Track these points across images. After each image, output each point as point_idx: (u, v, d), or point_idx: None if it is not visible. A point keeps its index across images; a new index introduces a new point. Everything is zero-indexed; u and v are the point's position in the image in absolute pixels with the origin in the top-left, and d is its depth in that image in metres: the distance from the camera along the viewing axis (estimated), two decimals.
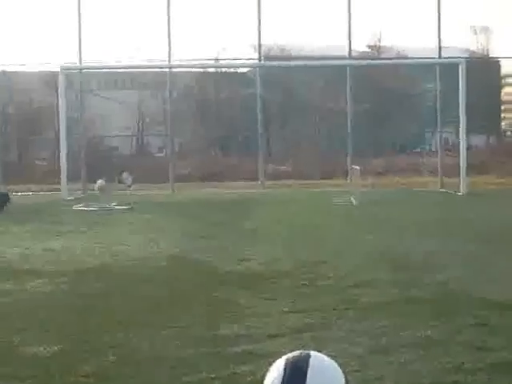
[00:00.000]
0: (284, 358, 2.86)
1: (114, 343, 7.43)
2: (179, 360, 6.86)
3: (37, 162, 38.36)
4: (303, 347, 6.81)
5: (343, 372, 2.87)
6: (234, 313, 8.72)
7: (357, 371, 6.39)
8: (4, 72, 36.92)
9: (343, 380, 2.87)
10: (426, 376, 6.27)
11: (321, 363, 2.89)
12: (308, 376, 2.79)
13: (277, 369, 2.82)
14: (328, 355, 6.67)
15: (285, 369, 2.80)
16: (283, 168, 35.57)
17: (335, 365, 2.95)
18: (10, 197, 23.95)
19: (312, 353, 2.91)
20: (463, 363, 6.56)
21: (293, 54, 38.79)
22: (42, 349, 7.27)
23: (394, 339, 7.38)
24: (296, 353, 2.89)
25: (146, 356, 7.04)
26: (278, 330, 7.87)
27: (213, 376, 6.33)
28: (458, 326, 7.87)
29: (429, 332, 7.61)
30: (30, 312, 9.03)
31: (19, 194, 30.42)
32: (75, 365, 6.73)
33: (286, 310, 8.80)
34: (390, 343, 7.24)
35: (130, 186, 32.23)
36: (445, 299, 9.31)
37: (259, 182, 33.37)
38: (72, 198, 28.01)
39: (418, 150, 38.16)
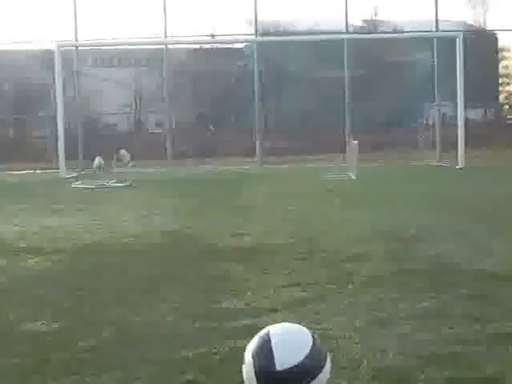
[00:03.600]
0: (248, 346, 2.91)
1: (112, 319, 7.42)
2: (178, 335, 6.85)
3: (33, 140, 38.25)
4: (302, 320, 6.84)
5: (309, 331, 2.90)
6: (231, 287, 8.70)
7: (357, 343, 6.39)
8: None
9: (310, 338, 2.90)
10: (427, 347, 6.26)
11: (281, 331, 2.94)
12: (274, 350, 2.83)
13: (247, 359, 2.87)
14: (329, 327, 6.66)
15: (253, 354, 2.85)
16: (279, 143, 35.47)
17: (297, 326, 3.00)
18: None
19: (270, 326, 2.96)
20: (463, 334, 6.56)
21: (288, 29, 38.61)
22: (39, 325, 7.26)
23: (392, 311, 7.37)
24: (256, 336, 2.94)
25: (143, 331, 7.03)
26: (276, 303, 7.86)
27: (213, 351, 6.31)
28: (455, 297, 7.87)
29: (426, 304, 7.61)
30: (27, 289, 9.02)
31: (16, 172, 30.39)
32: (72, 341, 6.71)
33: (282, 283, 8.79)
34: (389, 315, 7.24)
35: (127, 163, 32.17)
36: (441, 271, 9.30)
37: (255, 158, 33.33)
38: (70, 175, 27.96)
39: (415, 123, 38.02)
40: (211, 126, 40.18)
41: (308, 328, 2.93)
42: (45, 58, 34.52)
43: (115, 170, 29.17)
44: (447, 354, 6.08)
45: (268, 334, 2.89)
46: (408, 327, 6.80)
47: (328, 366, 2.93)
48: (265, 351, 2.84)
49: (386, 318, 7.17)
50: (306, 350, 2.85)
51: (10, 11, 42.36)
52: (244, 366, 2.90)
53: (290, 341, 2.88)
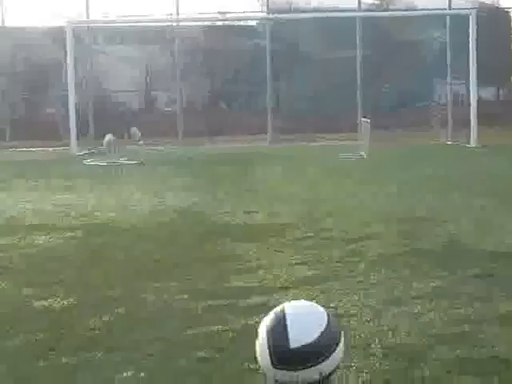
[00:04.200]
0: (263, 322, 2.91)
1: (123, 297, 7.46)
2: (189, 313, 6.87)
3: (45, 118, 38.25)
4: (312, 299, 6.85)
5: (325, 310, 2.91)
6: (242, 265, 8.73)
7: (368, 322, 6.41)
8: (10, 27, 36.74)
9: (325, 317, 2.91)
10: (436, 327, 6.28)
11: (296, 308, 2.94)
12: (288, 327, 2.83)
13: (261, 335, 2.88)
14: (340, 306, 6.69)
15: (267, 331, 2.85)
16: (290, 122, 35.35)
17: (312, 304, 3.00)
18: None
19: (286, 303, 2.97)
20: (474, 314, 6.57)
21: (301, 7, 38.45)
22: (51, 302, 7.30)
23: (402, 290, 7.39)
24: (271, 313, 2.94)
25: (154, 309, 7.07)
26: (288, 281, 7.88)
27: (224, 328, 6.34)
28: (465, 277, 7.88)
29: (437, 283, 7.63)
30: (39, 266, 9.06)
31: (27, 149, 30.46)
32: (84, 318, 6.76)
33: (294, 261, 8.80)
34: (400, 294, 7.25)
35: (138, 141, 32.17)
36: (451, 251, 9.30)
37: (266, 137, 33.28)
38: (81, 153, 28.00)
39: (427, 102, 37.83)
40: (223, 105, 40.07)
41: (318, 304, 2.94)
42: (57, 36, 34.46)
43: (127, 147, 29.18)
44: (458, 333, 6.10)
45: (283, 311, 2.89)
46: (419, 306, 6.81)
47: (341, 345, 2.94)
48: (279, 328, 2.84)
49: (397, 297, 7.18)
50: (321, 329, 2.85)
51: None
52: (257, 341, 2.91)
53: (305, 319, 2.88)
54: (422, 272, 8.14)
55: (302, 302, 3.05)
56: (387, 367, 5.44)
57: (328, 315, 2.95)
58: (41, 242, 10.54)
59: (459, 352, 5.66)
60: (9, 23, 36.51)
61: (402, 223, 11.38)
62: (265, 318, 2.95)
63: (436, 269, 8.28)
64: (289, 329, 2.84)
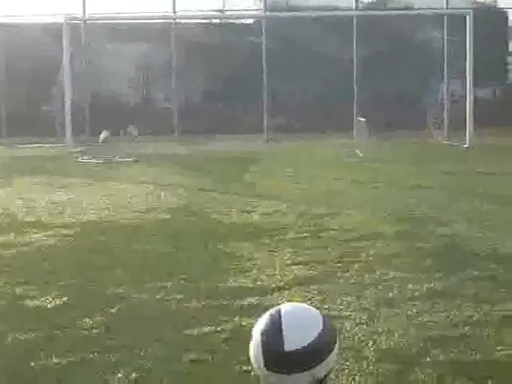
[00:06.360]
0: (257, 324, 2.86)
1: (118, 297, 7.40)
2: (183, 313, 6.83)
3: (41, 115, 38.15)
4: (307, 300, 6.80)
5: (321, 313, 2.86)
6: (237, 265, 8.67)
7: (363, 324, 6.36)
8: (6, 24, 36.63)
9: (321, 320, 2.87)
10: (433, 329, 6.23)
11: (292, 310, 2.90)
12: (284, 330, 2.79)
13: (255, 337, 2.83)
14: (334, 307, 6.66)
15: (262, 332, 2.81)
16: (287, 121, 35.28)
17: (309, 307, 2.97)
18: None
19: (282, 305, 2.93)
20: (471, 316, 6.52)
21: (299, 5, 38.40)
22: (45, 302, 7.25)
23: (399, 292, 7.34)
24: (266, 314, 2.90)
25: (148, 309, 7.02)
26: (283, 282, 7.84)
27: (217, 329, 6.30)
28: (464, 278, 7.82)
29: (435, 285, 7.57)
30: (33, 265, 9.00)
31: (23, 146, 30.39)
32: (78, 318, 6.70)
33: (289, 262, 8.76)
34: (396, 296, 7.21)
35: (135, 139, 32.05)
36: (450, 252, 9.25)
37: (263, 136, 33.22)
38: (77, 150, 27.91)
39: (423, 102, 37.78)
40: (220, 103, 39.99)
41: (314, 307, 2.89)
42: (53, 33, 34.37)
43: (123, 144, 29.09)
44: (454, 336, 6.04)
45: (279, 313, 2.84)
46: (415, 308, 6.77)
47: (336, 349, 2.90)
48: (274, 330, 2.79)
49: (393, 298, 7.14)
50: (316, 332, 2.81)
51: None
52: (251, 343, 2.86)
53: (301, 321, 2.84)
54: (420, 273, 8.08)
55: (298, 305, 3.02)
56: (380, 370, 5.39)
57: (324, 318, 2.91)
58: (35, 239, 10.48)
59: (455, 355, 5.61)
60: (5, 20, 36.36)
61: (401, 223, 11.29)
62: (259, 320, 2.90)
63: (435, 270, 8.21)
64: (284, 331, 2.80)
